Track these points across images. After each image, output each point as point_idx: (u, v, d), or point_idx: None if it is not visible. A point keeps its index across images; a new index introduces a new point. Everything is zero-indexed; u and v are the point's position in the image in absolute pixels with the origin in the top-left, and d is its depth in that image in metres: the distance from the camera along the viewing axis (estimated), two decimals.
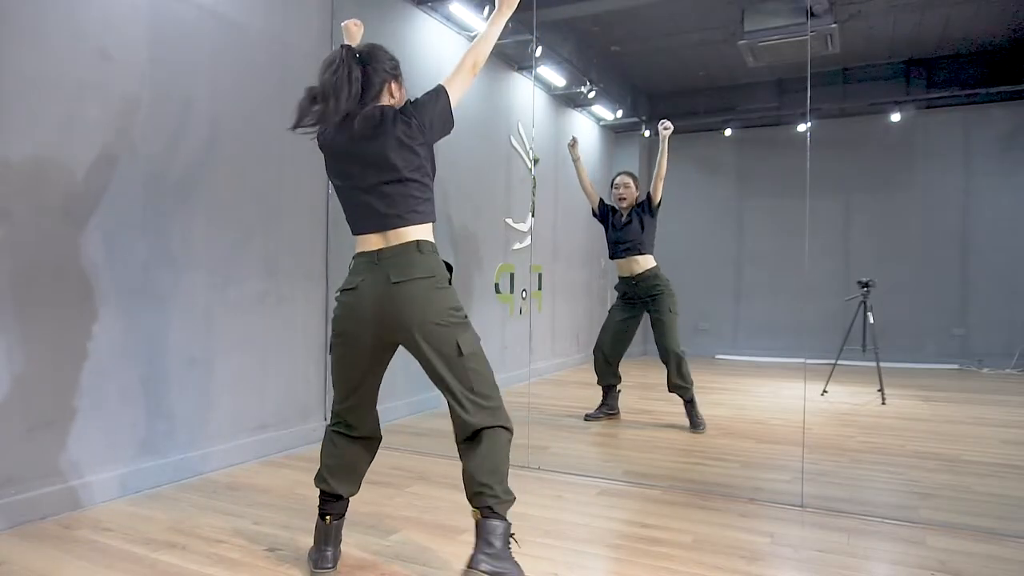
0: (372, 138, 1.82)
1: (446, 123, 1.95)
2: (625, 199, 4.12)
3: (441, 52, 4.51)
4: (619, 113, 6.30)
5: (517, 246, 5.19)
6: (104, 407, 2.56)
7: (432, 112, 1.90)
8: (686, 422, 3.95)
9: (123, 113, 2.61)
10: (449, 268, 1.91)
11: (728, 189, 6.21)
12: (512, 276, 5.13)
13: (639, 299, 4.06)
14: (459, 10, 4.40)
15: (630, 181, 4.17)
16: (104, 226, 2.54)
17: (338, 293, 1.92)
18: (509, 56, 5.19)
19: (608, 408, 4.21)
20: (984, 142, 6.04)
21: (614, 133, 6.68)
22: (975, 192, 6.02)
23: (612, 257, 4.17)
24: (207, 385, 2.97)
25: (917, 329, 5.93)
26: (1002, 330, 5.78)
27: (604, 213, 4.22)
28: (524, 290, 5.23)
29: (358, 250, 1.90)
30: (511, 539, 1.81)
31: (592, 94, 5.87)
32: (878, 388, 4.83)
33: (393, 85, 1.95)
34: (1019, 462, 3.34)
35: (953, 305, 5.94)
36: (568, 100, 6.02)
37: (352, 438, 2.00)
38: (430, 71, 4.37)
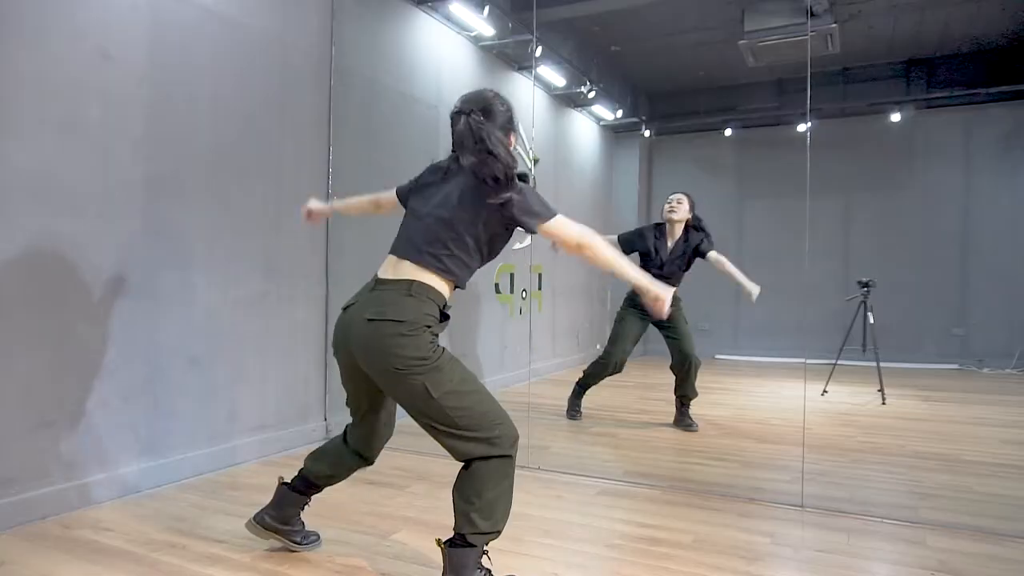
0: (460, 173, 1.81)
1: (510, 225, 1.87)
2: (676, 212, 3.88)
3: (441, 52, 4.51)
4: (619, 113, 6.30)
5: (517, 246, 5.16)
6: (104, 407, 2.55)
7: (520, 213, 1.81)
8: (686, 422, 3.96)
9: (123, 113, 2.61)
10: (445, 317, 1.82)
11: (728, 189, 6.21)
12: (512, 276, 5.12)
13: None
14: (459, 10, 4.40)
15: (684, 198, 3.94)
16: (104, 226, 2.54)
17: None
18: (509, 56, 5.19)
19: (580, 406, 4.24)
20: (984, 142, 6.04)
21: (614, 133, 6.67)
22: (975, 192, 6.02)
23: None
24: (207, 385, 2.97)
25: (917, 329, 5.92)
26: (1002, 330, 5.78)
27: (644, 241, 3.95)
28: (524, 290, 5.22)
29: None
30: (484, 555, 1.79)
31: (592, 94, 5.87)
32: (878, 388, 4.83)
33: (510, 138, 1.90)
34: (1019, 462, 3.34)
35: (953, 305, 5.94)
36: (568, 100, 6.02)
37: (346, 443, 2.05)
38: (430, 71, 4.37)
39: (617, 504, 2.64)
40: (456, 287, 1.84)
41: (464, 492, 1.76)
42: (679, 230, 3.93)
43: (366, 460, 2.04)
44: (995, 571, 2.04)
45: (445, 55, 4.53)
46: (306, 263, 3.50)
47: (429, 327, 1.75)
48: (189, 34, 2.86)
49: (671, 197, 3.99)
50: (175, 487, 2.75)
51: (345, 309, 1.86)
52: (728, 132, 6.01)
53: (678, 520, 2.45)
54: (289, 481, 2.09)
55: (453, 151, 1.86)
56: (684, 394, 3.98)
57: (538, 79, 5.45)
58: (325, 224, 3.61)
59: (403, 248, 1.84)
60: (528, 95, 5.40)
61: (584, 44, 5.68)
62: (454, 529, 1.78)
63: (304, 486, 2.08)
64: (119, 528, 2.29)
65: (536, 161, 5.42)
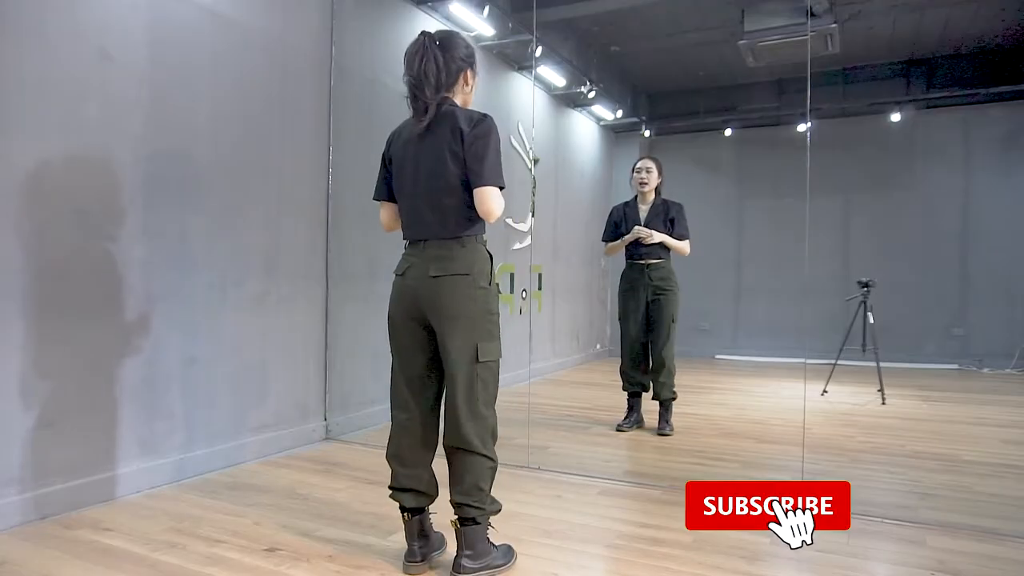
0: (440, 145, 1.90)
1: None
2: (647, 183, 3.84)
3: None
4: (619, 113, 6.30)
5: (517, 246, 5.19)
6: (104, 407, 2.55)
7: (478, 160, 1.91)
8: (686, 422, 3.95)
9: (123, 113, 2.61)
10: (490, 257, 1.98)
11: (728, 189, 6.22)
12: (512, 276, 5.13)
13: (645, 288, 3.84)
14: (459, 10, 4.40)
15: (652, 165, 3.86)
16: (104, 226, 2.54)
17: (394, 276, 2.02)
18: (509, 56, 5.19)
19: (638, 417, 3.97)
20: (984, 142, 6.05)
21: (614, 133, 6.68)
22: (975, 192, 6.03)
23: (628, 258, 3.93)
24: (207, 385, 2.97)
25: (917, 329, 5.93)
26: (1002, 330, 5.79)
27: (616, 224, 3.93)
28: (524, 290, 5.23)
29: (408, 238, 2.02)
30: (489, 527, 1.95)
31: (592, 94, 5.87)
32: (878, 388, 4.82)
33: (468, 73, 2.02)
34: (1019, 462, 3.34)
35: (953, 305, 5.95)
36: (568, 100, 6.02)
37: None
38: None
39: (617, 504, 2.64)
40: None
41: (465, 487, 1.91)
42: (651, 197, 3.88)
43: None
44: (995, 571, 2.04)
45: None
46: (306, 263, 3.50)
47: (491, 275, 1.98)
48: (189, 34, 2.86)
49: (639, 166, 3.89)
50: (175, 487, 2.75)
51: (399, 276, 1.97)
52: (728, 132, 6.01)
53: (678, 520, 2.44)
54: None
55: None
56: (657, 393, 3.82)
57: (538, 79, 5.45)
58: (325, 224, 3.61)
59: (427, 230, 1.95)
60: (528, 95, 5.40)
61: (584, 44, 5.69)
62: (460, 515, 1.91)
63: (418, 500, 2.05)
64: (119, 528, 2.29)
65: (536, 161, 5.42)
